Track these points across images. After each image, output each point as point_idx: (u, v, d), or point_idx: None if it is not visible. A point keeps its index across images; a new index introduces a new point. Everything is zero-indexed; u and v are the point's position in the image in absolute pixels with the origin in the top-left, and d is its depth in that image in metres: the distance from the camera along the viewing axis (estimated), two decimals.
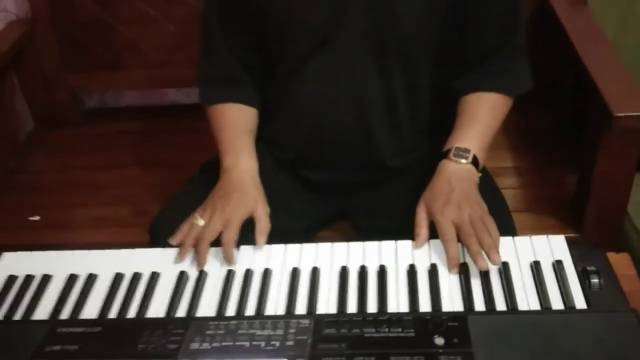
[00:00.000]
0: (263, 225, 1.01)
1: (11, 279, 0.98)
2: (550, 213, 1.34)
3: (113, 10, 1.77)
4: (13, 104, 1.86)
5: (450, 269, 0.90)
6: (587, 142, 1.26)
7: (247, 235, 1.00)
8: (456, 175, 1.02)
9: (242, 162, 1.10)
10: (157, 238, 1.10)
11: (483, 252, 0.89)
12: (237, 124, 1.16)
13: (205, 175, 1.18)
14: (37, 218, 1.53)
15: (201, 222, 1.01)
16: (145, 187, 1.60)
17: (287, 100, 1.17)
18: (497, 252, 0.89)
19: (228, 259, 0.96)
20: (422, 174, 1.07)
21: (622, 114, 1.11)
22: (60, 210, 1.56)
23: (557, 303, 0.83)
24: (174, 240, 1.01)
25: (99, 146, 1.81)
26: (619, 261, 0.94)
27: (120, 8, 1.76)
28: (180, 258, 0.98)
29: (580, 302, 0.83)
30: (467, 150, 1.04)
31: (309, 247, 0.97)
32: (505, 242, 0.93)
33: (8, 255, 1.03)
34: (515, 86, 1.12)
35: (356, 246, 0.96)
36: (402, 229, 0.99)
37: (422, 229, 0.97)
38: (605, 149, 1.17)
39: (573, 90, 1.52)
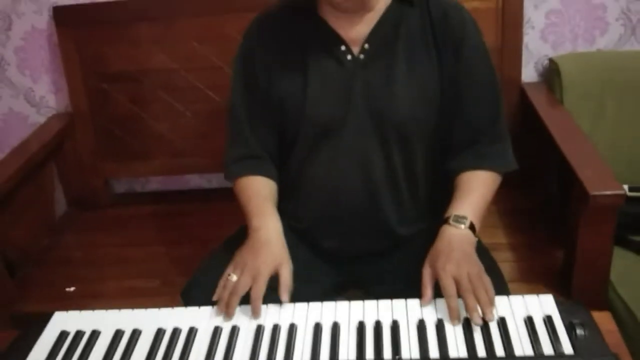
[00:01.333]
0: (287, 283, 1.09)
1: (63, 335, 1.06)
2: (542, 283, 1.43)
3: (145, 106, 1.91)
4: (52, 188, 1.98)
5: (452, 321, 0.99)
6: (569, 219, 1.37)
7: (271, 293, 1.08)
8: (456, 238, 1.11)
9: (268, 223, 1.18)
10: (190, 302, 1.17)
11: (478, 309, 0.98)
12: (261, 193, 1.25)
13: (229, 247, 1.27)
14: (72, 289, 1.60)
15: (234, 278, 1.08)
16: (171, 261, 1.68)
17: (302, 179, 1.27)
18: (492, 308, 0.98)
19: (256, 312, 1.04)
20: (427, 243, 1.17)
21: (598, 193, 1.23)
22: (93, 282, 1.63)
23: (548, 350, 0.91)
24: (215, 296, 1.08)
25: (127, 226, 1.90)
26: (602, 318, 1.02)
27: (152, 104, 1.91)
28: (219, 311, 1.06)
29: (568, 349, 0.91)
30: (464, 217, 1.13)
31: (329, 305, 1.06)
32: (501, 300, 1.02)
33: (59, 314, 1.11)
34: (502, 165, 1.23)
35: (371, 304, 1.05)
36: (411, 295, 1.07)
37: (428, 290, 1.05)
38: (584, 224, 1.27)
39: (556, 175, 1.65)
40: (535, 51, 1.85)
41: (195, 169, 2.02)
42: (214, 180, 2.11)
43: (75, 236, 1.88)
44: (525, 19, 1.78)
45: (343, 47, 1.18)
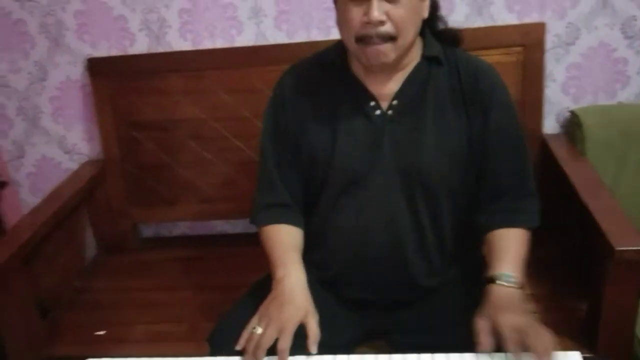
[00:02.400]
0: (314, 334, 1.10)
1: None
2: (567, 336, 1.41)
3: (174, 154, 1.96)
4: (83, 232, 2.02)
5: None
6: (593, 273, 1.38)
7: (296, 342, 1.09)
8: (509, 295, 1.12)
9: (292, 274, 1.20)
10: (216, 348, 1.19)
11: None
12: (286, 242, 1.27)
13: (254, 294, 1.29)
14: (102, 333, 1.63)
15: (259, 331, 1.10)
16: (197, 306, 1.70)
17: (328, 229, 1.29)
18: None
19: None
20: (451, 295, 1.18)
21: (622, 248, 1.23)
22: (122, 326, 1.65)
23: None
24: (238, 346, 1.10)
25: (155, 270, 1.93)
26: None
27: (180, 152, 1.96)
28: None
29: None
30: (512, 276, 1.15)
31: (354, 358, 1.07)
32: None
33: None
34: (531, 222, 1.25)
35: (397, 357, 1.06)
36: (434, 346, 1.08)
37: (487, 337, 1.05)
38: (609, 279, 1.27)
39: (578, 227, 1.65)
40: (557, 103, 1.87)
41: (222, 214, 2.05)
42: (239, 226, 2.15)
43: (105, 279, 1.91)
44: (547, 72, 1.82)
45: (372, 103, 1.22)
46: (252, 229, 2.11)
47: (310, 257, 1.30)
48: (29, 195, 2.18)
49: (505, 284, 1.14)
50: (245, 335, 1.11)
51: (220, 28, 1.88)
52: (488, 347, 1.04)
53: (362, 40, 1.14)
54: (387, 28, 1.12)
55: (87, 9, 1.90)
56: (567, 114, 1.86)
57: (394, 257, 1.26)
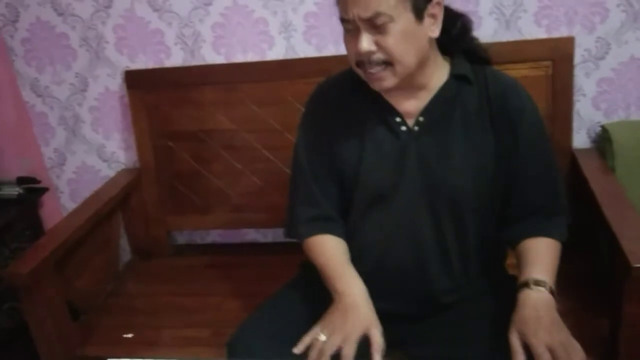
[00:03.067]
0: (378, 344, 1.14)
1: None
2: (590, 351, 1.37)
3: (207, 163, 2.02)
4: (117, 238, 2.10)
5: None
6: (612, 290, 1.37)
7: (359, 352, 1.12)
8: (540, 303, 1.13)
9: (354, 287, 1.23)
10: (234, 353, 1.24)
11: None
12: (338, 254, 1.30)
13: (274, 302, 1.34)
14: (130, 336, 1.69)
15: (323, 338, 1.14)
16: (224, 313, 1.75)
17: (353, 241, 1.33)
18: None
19: None
20: (472, 309, 1.19)
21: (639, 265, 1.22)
22: (150, 329, 1.71)
23: None
24: (297, 350, 1.13)
25: (186, 276, 1.99)
26: None
27: (213, 162, 2.02)
28: None
29: None
30: (544, 282, 1.15)
31: None
32: None
33: None
34: (560, 235, 1.26)
35: None
36: (452, 358, 1.10)
37: (521, 356, 1.06)
38: (627, 296, 1.26)
39: (605, 242, 1.63)
40: (587, 118, 1.86)
41: (252, 223, 2.10)
42: (269, 235, 2.20)
43: (137, 284, 1.98)
44: (577, 87, 1.81)
45: (398, 119, 1.25)
46: (282, 238, 2.16)
47: None
48: (69, 201, 2.29)
49: (537, 289, 1.14)
50: (306, 340, 1.15)
51: (252, 42, 1.94)
52: None
53: (360, 66, 1.18)
54: (379, 55, 1.15)
55: (125, 24, 1.98)
56: (598, 129, 1.84)
57: (416, 272, 1.29)
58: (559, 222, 1.27)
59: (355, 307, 1.18)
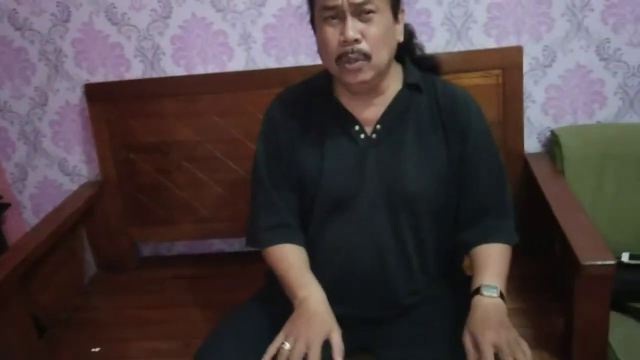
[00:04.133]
0: (339, 347, 1.16)
1: None
2: (546, 349, 1.46)
3: (170, 175, 2.02)
4: (81, 251, 2.08)
5: None
6: (565, 288, 1.43)
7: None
8: (490, 307, 1.18)
9: (314, 294, 1.25)
10: None
11: None
12: (299, 262, 1.32)
13: (241, 313, 1.35)
14: (98, 350, 1.68)
15: (287, 346, 1.15)
16: (192, 324, 1.75)
17: (316, 248, 1.35)
18: None
19: None
20: (434, 311, 1.24)
21: (589, 263, 1.28)
22: (117, 343, 1.71)
23: None
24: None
25: (153, 289, 1.98)
26: None
27: (176, 174, 2.02)
28: None
29: None
30: (494, 287, 1.20)
31: None
32: None
33: None
34: (509, 239, 1.31)
35: None
36: (417, 358, 1.14)
37: (472, 354, 1.11)
38: (578, 293, 1.32)
39: (557, 245, 1.70)
40: (537, 123, 1.93)
41: (217, 233, 2.11)
42: (235, 244, 2.20)
43: (103, 297, 1.97)
44: (526, 94, 1.88)
45: (357, 127, 1.29)
46: (247, 248, 2.17)
47: None
48: (32, 216, 2.25)
49: (488, 295, 1.19)
50: (271, 351, 1.16)
51: (212, 54, 1.96)
52: None
53: (341, 58, 1.20)
54: (363, 46, 1.18)
55: (84, 37, 1.98)
56: (548, 134, 1.92)
57: (378, 276, 1.32)
58: (507, 225, 1.33)
59: (317, 313, 1.21)
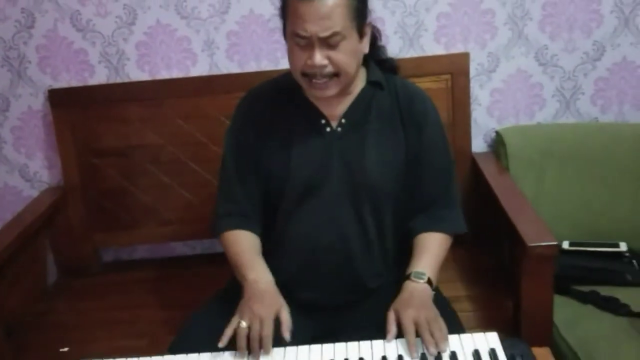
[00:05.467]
0: (287, 323, 1.24)
1: None
2: (496, 330, 1.55)
3: (134, 179, 2.05)
4: (44, 257, 2.08)
5: (411, 354, 1.15)
6: (513, 271, 1.54)
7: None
8: (416, 291, 1.28)
9: (264, 276, 1.33)
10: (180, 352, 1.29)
11: (433, 342, 1.15)
12: (250, 247, 1.40)
13: (210, 309, 1.41)
14: (66, 349, 1.69)
15: (244, 324, 1.22)
16: (158, 322, 1.78)
17: (284, 237, 1.42)
18: (446, 342, 1.15)
19: (267, 350, 1.19)
20: (393, 294, 1.32)
21: (534, 244, 1.40)
22: (85, 343, 1.71)
23: None
24: (221, 343, 1.20)
25: (115, 292, 2.00)
26: (541, 352, 1.19)
27: (140, 178, 2.05)
28: (240, 357, 1.19)
29: None
30: (423, 274, 1.31)
31: (303, 349, 1.21)
32: (453, 337, 1.18)
33: None
34: (452, 228, 1.42)
35: (340, 346, 1.20)
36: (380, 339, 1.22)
37: (393, 327, 1.21)
38: (525, 273, 1.44)
39: (505, 235, 1.82)
40: (483, 125, 2.07)
41: (180, 236, 2.14)
42: (197, 248, 2.25)
43: (67, 302, 1.96)
44: (473, 97, 2.01)
45: (323, 121, 1.37)
46: (209, 250, 2.22)
47: (269, 263, 1.41)
48: None
49: (415, 280, 1.30)
50: (228, 332, 1.22)
51: (176, 59, 2.01)
52: (393, 336, 1.20)
53: (307, 75, 1.29)
54: (330, 69, 1.27)
55: (48, 43, 2.00)
56: (493, 134, 2.05)
57: (343, 261, 1.40)
58: (452, 215, 1.43)
59: (267, 293, 1.29)
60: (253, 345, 1.19)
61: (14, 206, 2.15)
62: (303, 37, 1.24)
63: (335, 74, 1.27)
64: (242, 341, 1.20)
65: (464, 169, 1.97)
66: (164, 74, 2.03)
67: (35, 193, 2.16)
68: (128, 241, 2.16)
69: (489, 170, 1.89)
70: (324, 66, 1.26)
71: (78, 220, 2.09)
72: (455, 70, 1.93)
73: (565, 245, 1.76)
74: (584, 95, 2.03)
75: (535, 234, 1.43)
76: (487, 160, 1.97)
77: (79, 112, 2.01)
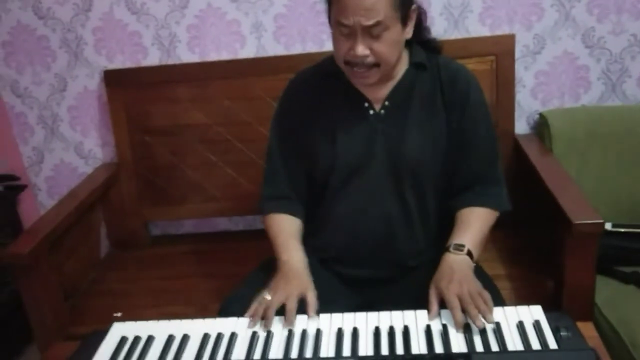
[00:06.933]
0: (313, 304, 1.25)
1: (123, 340, 1.21)
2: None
3: (182, 157, 2.09)
4: (97, 230, 2.15)
5: (457, 329, 1.13)
6: (556, 248, 1.52)
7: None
8: (456, 263, 1.27)
9: (295, 257, 1.35)
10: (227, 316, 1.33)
11: (480, 315, 1.13)
12: (288, 230, 1.42)
13: (256, 275, 1.44)
14: (119, 314, 1.73)
15: (268, 297, 1.25)
16: (204, 292, 1.82)
17: (330, 215, 1.44)
18: (491, 314, 1.13)
19: (290, 322, 1.20)
20: (433, 271, 1.32)
21: (579, 222, 1.38)
22: (137, 309, 1.77)
23: (536, 346, 1.06)
24: (248, 313, 1.24)
25: (164, 263, 2.05)
26: (585, 327, 1.17)
27: (188, 155, 2.09)
28: (252, 324, 1.21)
29: (552, 345, 1.05)
30: (462, 246, 1.29)
31: (349, 316, 1.22)
32: (497, 310, 1.16)
33: (118, 324, 1.27)
34: (496, 204, 1.40)
35: (385, 314, 1.21)
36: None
37: (434, 305, 1.20)
38: (569, 251, 1.42)
39: (548, 216, 1.80)
40: (527, 107, 2.04)
41: (225, 212, 2.18)
42: (240, 224, 2.28)
43: (118, 272, 2.03)
44: (517, 78, 1.98)
45: (366, 104, 1.37)
46: (253, 226, 2.24)
47: (314, 241, 1.45)
48: (47, 198, 2.31)
49: (455, 252, 1.29)
50: (254, 304, 1.25)
51: (225, 42, 2.04)
52: (435, 314, 1.19)
53: (349, 63, 1.29)
54: (371, 59, 1.27)
55: (104, 26, 2.05)
56: (537, 116, 2.02)
57: (385, 239, 1.41)
58: (497, 192, 1.41)
59: (296, 274, 1.31)
60: (267, 312, 1.21)
61: (69, 181, 2.22)
62: (346, 26, 1.23)
63: (376, 64, 1.27)
64: (259, 309, 1.23)
65: (506, 150, 1.95)
66: (213, 56, 2.06)
67: (89, 170, 2.22)
68: (175, 216, 2.20)
69: (533, 152, 1.86)
70: (366, 56, 1.25)
71: (129, 195, 2.14)
72: (500, 51, 1.90)
73: (608, 226, 1.72)
74: (630, 79, 1.98)
75: (581, 212, 1.41)
76: (531, 142, 1.95)
77: (132, 93, 2.05)
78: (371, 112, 1.37)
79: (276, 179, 1.46)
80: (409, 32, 1.32)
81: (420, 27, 1.39)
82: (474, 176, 1.40)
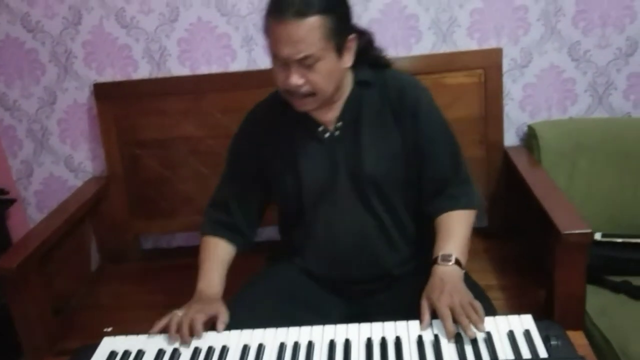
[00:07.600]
0: (223, 320, 1.30)
1: (112, 354, 1.23)
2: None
3: (173, 170, 2.09)
4: (88, 244, 2.14)
5: (448, 339, 1.14)
6: (549, 262, 1.54)
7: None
8: (446, 274, 1.28)
9: (212, 288, 1.40)
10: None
11: (471, 325, 1.14)
12: (218, 257, 1.46)
13: (248, 288, 1.46)
14: (110, 329, 1.73)
15: (179, 314, 1.30)
16: None
17: (308, 237, 1.46)
18: (482, 323, 1.14)
19: (198, 333, 1.26)
20: (418, 278, 1.33)
21: (568, 232, 1.40)
22: (126, 323, 1.72)
23: (526, 355, 1.07)
24: (153, 330, 1.30)
25: (155, 277, 2.03)
26: (575, 335, 1.19)
27: (179, 168, 2.09)
28: (172, 339, 1.27)
29: (543, 354, 1.06)
30: (450, 255, 1.30)
31: (341, 327, 1.22)
32: (487, 319, 1.17)
33: (107, 339, 1.28)
34: (469, 203, 1.41)
35: (377, 325, 1.21)
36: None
37: (426, 316, 1.21)
38: (559, 261, 1.43)
39: (538, 226, 1.81)
40: (515, 119, 2.06)
41: None
42: None
43: (109, 286, 2.02)
44: (505, 91, 2.01)
45: (320, 128, 1.40)
46: None
47: (301, 261, 1.48)
48: (36, 212, 2.30)
49: (443, 263, 1.30)
50: (162, 321, 1.31)
51: (216, 55, 2.05)
52: (427, 324, 1.20)
53: (287, 92, 1.32)
54: (306, 88, 1.29)
55: (93, 39, 2.06)
56: (525, 129, 2.04)
57: (367, 255, 1.43)
58: (467, 190, 1.43)
59: (208, 300, 1.35)
60: (182, 330, 1.25)
61: (59, 195, 2.21)
62: (280, 58, 1.26)
63: (312, 93, 1.29)
64: (172, 327, 1.28)
65: (496, 162, 1.97)
66: (203, 69, 2.07)
67: (79, 183, 2.21)
68: (167, 229, 2.20)
69: (522, 163, 1.88)
70: (300, 86, 1.27)
71: (119, 209, 2.14)
72: (488, 65, 1.93)
73: (598, 236, 1.75)
74: (616, 91, 2.01)
75: (570, 222, 1.43)
76: (520, 154, 1.97)
77: (123, 106, 2.06)
78: (326, 135, 1.40)
79: (220, 202, 1.51)
80: (347, 61, 1.33)
81: (368, 51, 1.41)
82: (441, 181, 1.41)
